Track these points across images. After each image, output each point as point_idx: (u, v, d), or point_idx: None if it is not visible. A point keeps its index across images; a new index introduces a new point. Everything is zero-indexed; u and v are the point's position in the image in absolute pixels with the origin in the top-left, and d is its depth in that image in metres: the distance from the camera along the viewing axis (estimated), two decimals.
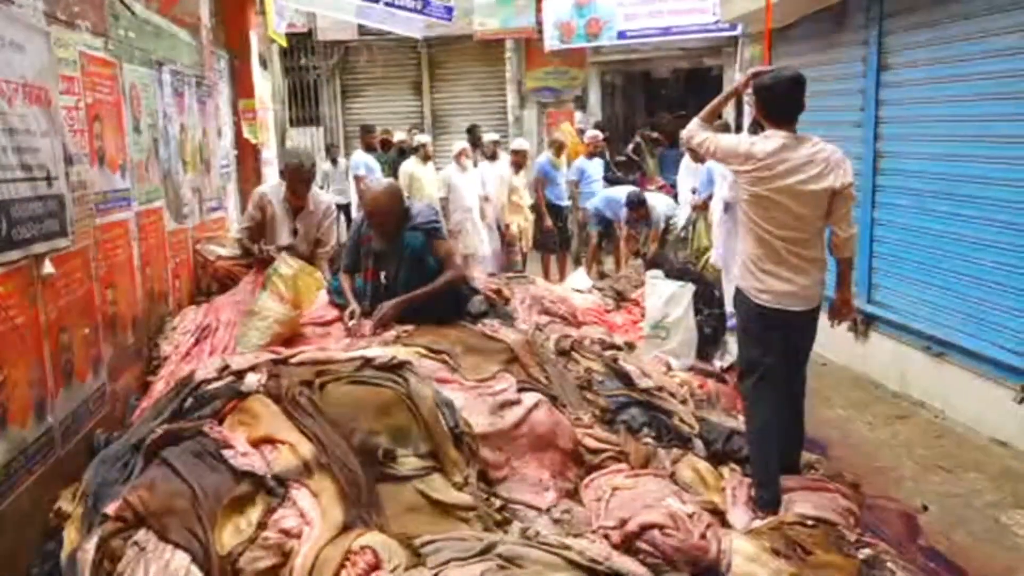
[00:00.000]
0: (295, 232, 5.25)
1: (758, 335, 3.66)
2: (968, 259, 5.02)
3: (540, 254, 9.40)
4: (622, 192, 8.96)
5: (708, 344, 5.48)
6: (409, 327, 4.07)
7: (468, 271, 5.34)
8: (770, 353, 3.62)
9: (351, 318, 4.34)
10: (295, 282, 4.56)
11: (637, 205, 8.39)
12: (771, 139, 3.55)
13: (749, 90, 3.75)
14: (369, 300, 4.49)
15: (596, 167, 9.47)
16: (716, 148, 3.70)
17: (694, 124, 3.81)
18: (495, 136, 9.57)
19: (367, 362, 3.49)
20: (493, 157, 9.11)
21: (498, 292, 5.26)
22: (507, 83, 12.90)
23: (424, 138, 9.50)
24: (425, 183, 8.83)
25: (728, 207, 7.01)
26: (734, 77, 9.01)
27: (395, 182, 4.78)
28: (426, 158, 9.01)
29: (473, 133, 10.99)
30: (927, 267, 5.51)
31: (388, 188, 4.41)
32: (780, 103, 3.57)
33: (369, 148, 9.84)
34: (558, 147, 9.32)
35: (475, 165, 9.01)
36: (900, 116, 5.79)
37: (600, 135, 10.02)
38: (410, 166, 9.01)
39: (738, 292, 3.75)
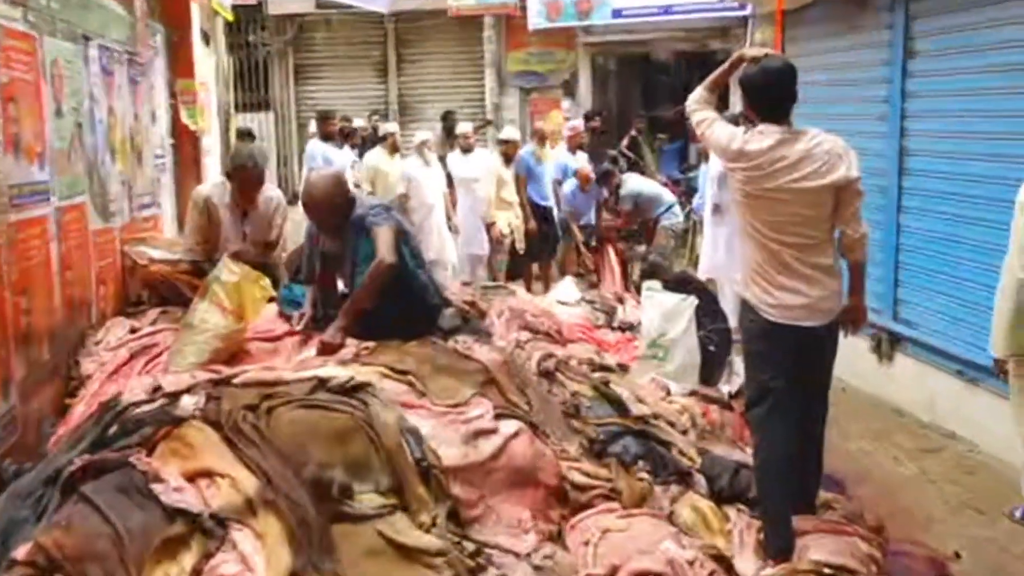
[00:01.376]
0: (243, 236, 5.26)
1: (767, 355, 3.68)
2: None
3: (522, 261, 9.43)
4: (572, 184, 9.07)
5: (712, 366, 5.50)
6: (369, 344, 4.06)
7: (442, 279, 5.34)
8: (781, 376, 3.63)
9: (299, 322, 4.41)
10: (238, 291, 4.52)
11: (603, 177, 8.57)
12: (765, 135, 3.59)
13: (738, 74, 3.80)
14: (322, 308, 4.50)
15: (580, 163, 9.56)
16: (709, 136, 3.76)
17: (697, 93, 3.87)
18: (469, 127, 9.60)
19: (321, 383, 3.48)
20: (467, 150, 9.13)
21: (472, 304, 5.26)
22: (485, 66, 12.96)
23: (391, 127, 9.52)
24: (392, 178, 8.84)
25: (717, 209, 7.10)
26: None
27: (337, 171, 4.82)
28: (393, 149, 9.03)
29: (448, 120, 11.01)
30: (959, 281, 5.57)
31: (324, 177, 4.46)
32: (770, 96, 3.63)
33: (327, 137, 9.82)
34: (541, 138, 9.36)
35: (442, 157, 9.06)
36: (929, 110, 5.85)
37: (581, 125, 10.09)
38: (375, 159, 9.02)
39: (743, 305, 3.78)
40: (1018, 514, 4.43)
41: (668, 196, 8.83)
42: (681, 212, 8.90)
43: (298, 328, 4.42)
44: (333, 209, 4.33)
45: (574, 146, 9.71)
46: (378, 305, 4.22)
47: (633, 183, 8.78)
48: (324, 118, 9.94)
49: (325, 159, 9.45)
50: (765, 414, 3.67)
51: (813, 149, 3.53)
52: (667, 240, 8.62)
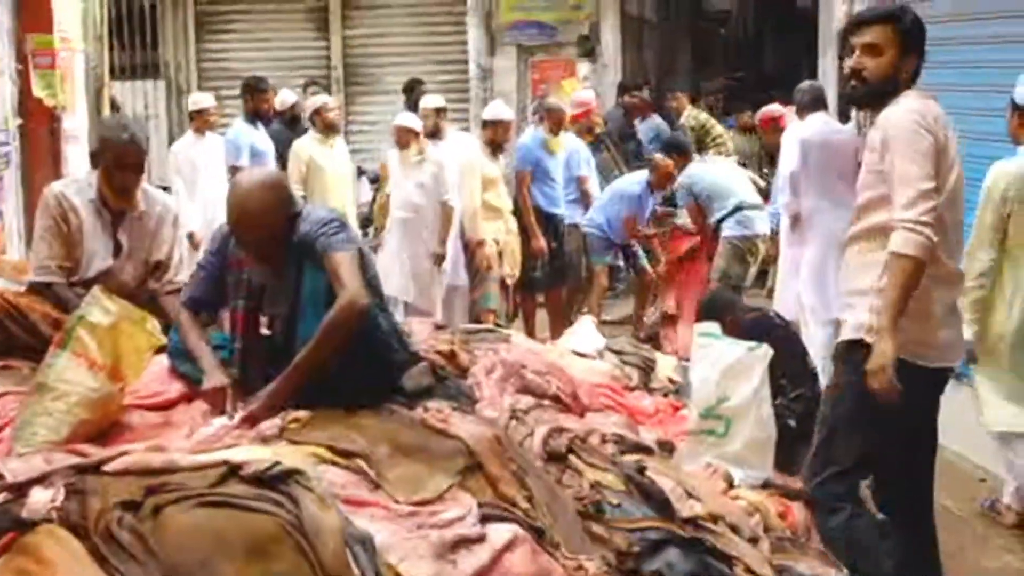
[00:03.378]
0: (117, 251, 5.25)
1: (886, 418, 3.86)
2: None
3: (522, 294, 9.46)
4: (635, 181, 9.15)
5: (794, 445, 5.51)
6: (301, 413, 4.05)
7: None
8: (894, 445, 3.79)
9: (228, 411, 4.33)
10: (113, 337, 4.52)
11: (675, 150, 8.90)
12: (917, 99, 4.04)
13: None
14: (239, 367, 4.49)
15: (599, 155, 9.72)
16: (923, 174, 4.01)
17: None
18: (440, 102, 9.67)
19: (232, 471, 3.47)
20: (434, 134, 9.20)
21: (450, 356, 5.26)
22: (468, 14, 13.07)
23: (323, 99, 9.55)
24: (331, 175, 8.89)
25: (796, 221, 7.21)
26: (836, 14, 9.17)
27: (277, 172, 4.83)
28: (328, 130, 9.08)
29: (415, 92, 11.06)
30: None
31: (260, 180, 4.44)
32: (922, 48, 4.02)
33: (257, 116, 9.88)
34: (555, 120, 9.41)
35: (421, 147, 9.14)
36: None
37: (591, 99, 10.19)
38: (306, 147, 9.08)
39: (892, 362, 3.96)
40: (987, 504, 6.17)
41: (741, 191, 8.85)
42: (765, 219, 8.91)
43: (235, 419, 4.25)
44: (274, 227, 4.31)
45: (586, 128, 9.80)
46: None
47: (691, 168, 8.90)
48: (253, 89, 9.99)
49: (255, 152, 9.49)
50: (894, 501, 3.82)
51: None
52: (731, 260, 8.65)
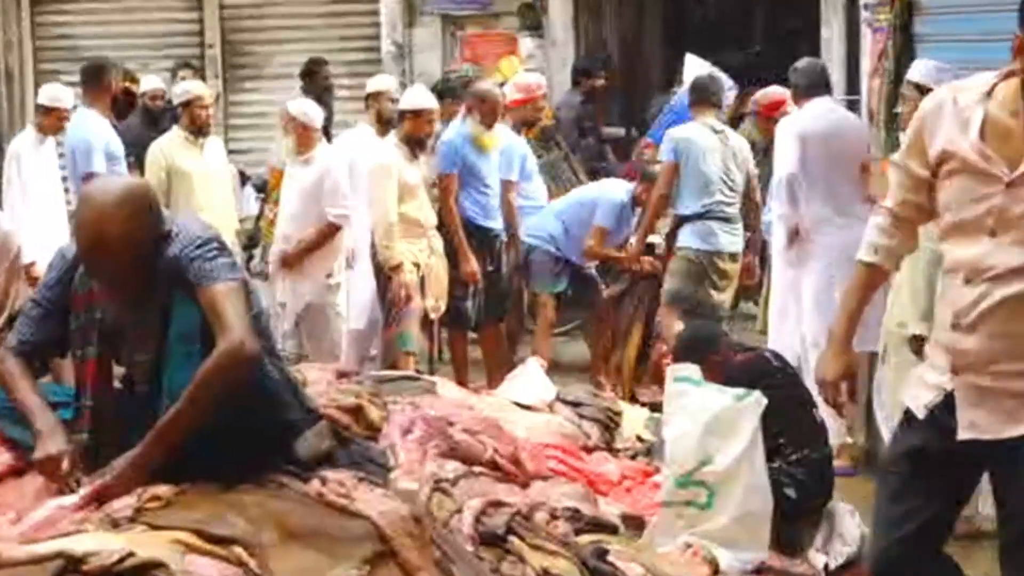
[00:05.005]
0: None
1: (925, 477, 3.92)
2: None
3: (450, 331, 9.46)
4: (621, 187, 9.16)
5: (796, 521, 5.54)
6: (164, 489, 4.03)
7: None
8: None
9: (69, 486, 4.29)
10: None
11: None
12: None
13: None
14: (88, 431, 4.46)
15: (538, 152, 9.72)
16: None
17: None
18: (385, 84, 9.76)
19: (71, 566, 3.44)
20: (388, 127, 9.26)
21: (357, 412, 5.24)
22: None
23: (194, 88, 9.51)
24: (200, 184, 8.87)
25: (796, 236, 7.25)
26: None
27: (140, 182, 4.81)
28: (197, 128, 9.06)
29: (316, 75, 11.07)
30: None
31: (120, 194, 4.39)
32: None
33: (109, 107, 9.82)
34: (488, 109, 9.38)
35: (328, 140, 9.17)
36: None
37: (537, 84, 10.20)
38: (166, 149, 9.03)
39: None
40: None
41: (720, 192, 8.84)
42: (735, 236, 8.95)
43: (78, 497, 4.19)
44: (136, 252, 4.28)
45: (527, 121, 9.81)
46: None
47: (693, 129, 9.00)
48: (95, 76, 9.93)
49: (110, 155, 9.42)
50: None
51: None
52: (683, 279, 8.68)
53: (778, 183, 7.56)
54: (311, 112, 8.96)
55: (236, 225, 9.79)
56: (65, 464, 4.34)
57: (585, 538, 4.74)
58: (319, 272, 8.79)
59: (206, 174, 9.09)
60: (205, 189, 9.02)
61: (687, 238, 8.78)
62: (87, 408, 4.52)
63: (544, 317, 9.67)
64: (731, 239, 8.88)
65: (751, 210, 9.07)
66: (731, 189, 8.79)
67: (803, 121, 7.72)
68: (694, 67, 11.21)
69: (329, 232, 8.71)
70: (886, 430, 6.28)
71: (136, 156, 9.45)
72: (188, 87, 9.66)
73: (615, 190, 9.67)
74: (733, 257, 8.91)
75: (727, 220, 8.87)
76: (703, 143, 8.77)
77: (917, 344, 5.85)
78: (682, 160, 8.73)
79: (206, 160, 9.09)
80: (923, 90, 6.23)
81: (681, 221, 8.81)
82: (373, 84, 9.75)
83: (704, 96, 9.16)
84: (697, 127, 8.90)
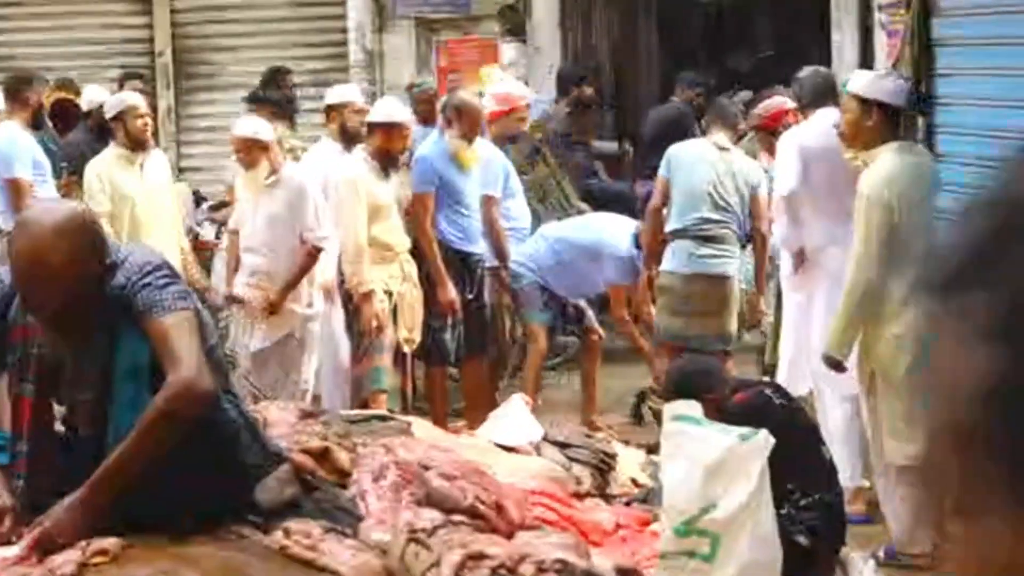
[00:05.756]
0: None
1: None
2: None
3: (426, 366, 9.46)
4: (623, 232, 9.20)
5: (807, 569, 5.57)
6: (111, 541, 4.05)
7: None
8: None
9: (6, 537, 4.32)
10: None
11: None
12: None
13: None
14: (25, 477, 4.48)
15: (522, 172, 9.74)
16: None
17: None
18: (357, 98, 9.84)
19: None
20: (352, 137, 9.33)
21: (323, 455, 5.26)
22: None
23: (128, 99, 9.51)
24: (142, 206, 8.88)
25: (801, 259, 7.28)
26: None
27: (81, 208, 4.83)
28: (135, 142, 9.11)
29: (278, 85, 11.11)
30: None
31: (61, 220, 4.44)
32: None
33: (29, 121, 9.86)
34: (469, 122, 9.37)
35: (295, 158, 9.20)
36: None
37: (519, 94, 10.24)
38: (105, 172, 9.02)
39: None
40: (881, 554, 6.34)
41: (709, 210, 8.88)
42: (728, 259, 8.98)
43: (16, 550, 4.22)
44: (78, 283, 4.33)
45: (506, 136, 9.83)
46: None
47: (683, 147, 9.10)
48: (18, 86, 9.95)
49: (37, 164, 9.41)
50: None
51: None
52: (662, 310, 8.76)
53: (777, 201, 7.58)
54: (262, 129, 8.95)
55: (186, 246, 9.68)
56: (7, 522, 4.38)
57: None
58: (299, 301, 8.85)
59: (148, 192, 9.10)
60: (148, 211, 9.02)
61: (667, 259, 8.90)
62: (23, 453, 4.53)
63: (535, 348, 9.71)
64: (717, 260, 8.91)
65: (757, 241, 9.12)
66: (720, 207, 8.75)
67: (805, 135, 7.78)
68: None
69: (312, 260, 8.77)
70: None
71: (80, 174, 9.43)
72: (122, 96, 9.71)
73: (619, 236, 9.69)
74: (719, 280, 8.95)
75: (711, 240, 8.88)
76: (692, 157, 8.88)
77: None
78: (672, 175, 8.79)
79: (147, 178, 9.05)
80: (863, 101, 6.47)
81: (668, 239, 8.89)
82: (334, 95, 9.91)
83: (720, 114, 9.24)
84: (698, 143, 8.98)
